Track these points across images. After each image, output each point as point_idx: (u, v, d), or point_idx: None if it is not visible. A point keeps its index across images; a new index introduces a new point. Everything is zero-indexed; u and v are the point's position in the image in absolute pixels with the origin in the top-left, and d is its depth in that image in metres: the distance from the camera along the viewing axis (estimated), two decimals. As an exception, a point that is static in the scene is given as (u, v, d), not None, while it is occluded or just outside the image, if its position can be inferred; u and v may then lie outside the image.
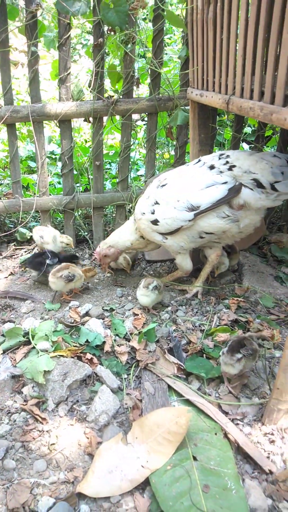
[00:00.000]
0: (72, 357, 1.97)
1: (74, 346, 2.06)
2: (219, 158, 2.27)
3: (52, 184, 4.02)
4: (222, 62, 2.12)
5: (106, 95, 2.93)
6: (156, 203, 2.38)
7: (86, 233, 3.39)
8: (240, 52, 1.87)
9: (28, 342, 2.10)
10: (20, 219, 3.23)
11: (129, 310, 2.44)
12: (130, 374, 1.97)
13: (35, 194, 3.14)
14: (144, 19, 4.52)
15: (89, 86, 2.87)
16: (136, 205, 2.54)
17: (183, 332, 2.22)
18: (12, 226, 3.35)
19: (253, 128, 4.18)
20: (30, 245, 3.28)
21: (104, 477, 1.46)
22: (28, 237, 3.26)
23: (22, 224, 3.21)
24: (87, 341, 2.09)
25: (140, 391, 1.86)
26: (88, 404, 1.81)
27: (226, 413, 1.74)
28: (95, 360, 1.99)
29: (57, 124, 2.97)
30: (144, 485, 1.47)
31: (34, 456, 1.58)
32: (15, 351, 2.07)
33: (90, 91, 2.88)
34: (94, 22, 2.70)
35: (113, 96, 2.91)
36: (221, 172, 2.21)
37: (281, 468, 1.52)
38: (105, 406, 1.74)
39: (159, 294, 2.36)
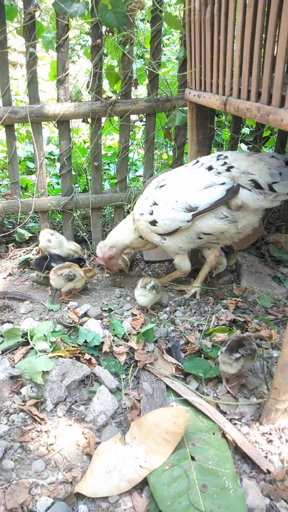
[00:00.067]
0: (70, 358, 1.98)
1: (72, 346, 2.07)
2: (217, 159, 2.27)
3: (51, 184, 4.02)
4: (219, 63, 2.12)
5: (104, 96, 2.94)
6: (155, 203, 2.39)
7: (84, 234, 3.39)
8: (237, 53, 1.87)
9: (26, 343, 2.10)
10: (18, 220, 3.23)
11: (128, 310, 2.44)
12: (128, 374, 1.97)
13: (33, 194, 3.14)
14: (143, 20, 4.52)
15: (88, 87, 2.87)
16: (135, 205, 2.55)
17: (181, 332, 2.22)
18: (10, 227, 3.36)
19: (251, 129, 4.19)
20: (28, 246, 3.28)
21: (102, 477, 1.46)
22: (27, 238, 3.27)
23: (21, 225, 3.21)
24: (85, 341, 2.09)
25: (139, 391, 1.86)
26: (86, 405, 1.82)
27: (224, 413, 1.75)
28: (93, 360, 2.00)
29: (56, 125, 2.97)
30: (142, 485, 1.47)
31: (32, 456, 1.58)
32: (14, 351, 2.07)
33: (89, 92, 2.89)
34: (92, 23, 2.71)
35: (111, 97, 2.92)
36: (219, 173, 2.21)
37: (279, 468, 1.53)
38: (103, 406, 1.74)
39: (157, 294, 2.36)
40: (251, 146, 3.37)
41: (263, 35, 1.68)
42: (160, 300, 2.50)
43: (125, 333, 2.19)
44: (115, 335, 2.18)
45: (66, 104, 2.87)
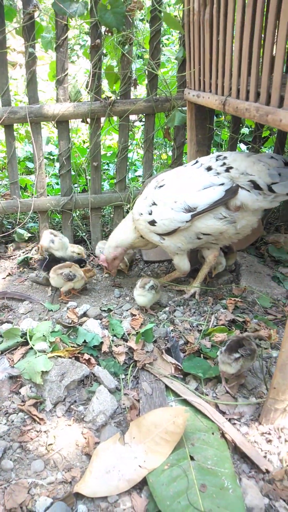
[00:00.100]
0: (69, 358, 1.98)
1: (71, 346, 2.07)
2: (216, 160, 2.27)
3: (50, 185, 4.02)
4: (218, 63, 2.13)
5: (103, 96, 2.94)
6: (154, 203, 2.39)
7: (84, 234, 3.39)
8: (236, 54, 1.88)
9: (26, 343, 2.11)
10: (18, 220, 3.23)
11: (127, 310, 2.44)
12: (127, 374, 1.97)
13: (33, 195, 3.15)
14: (142, 20, 4.53)
15: (87, 87, 2.88)
16: (134, 205, 2.55)
17: (180, 332, 2.22)
18: (10, 227, 3.36)
19: (250, 129, 4.19)
20: (28, 246, 3.28)
21: (101, 477, 1.46)
22: (26, 238, 3.27)
23: (20, 225, 3.21)
24: (84, 341, 2.09)
25: (138, 391, 1.86)
26: (85, 405, 1.82)
27: (223, 413, 1.75)
28: (92, 360, 2.00)
29: (55, 125, 2.97)
30: (142, 485, 1.47)
31: (31, 456, 1.58)
32: (13, 351, 2.07)
33: (88, 92, 2.89)
34: (91, 24, 2.71)
35: (110, 97, 2.92)
36: (218, 173, 2.22)
37: (277, 467, 1.53)
38: (102, 406, 1.74)
39: (156, 293, 2.36)
40: (250, 146, 3.37)
41: (262, 36, 1.68)
42: (160, 300, 2.50)
43: (124, 333, 2.19)
44: (115, 335, 2.18)
45: (65, 104, 2.87)
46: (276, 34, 1.55)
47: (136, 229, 2.56)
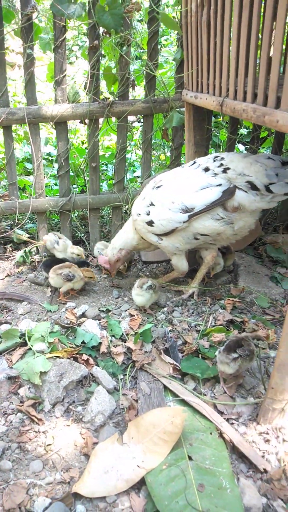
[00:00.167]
0: (68, 358, 1.98)
1: (70, 347, 2.07)
2: (214, 161, 2.28)
3: (49, 185, 4.03)
4: (216, 64, 2.13)
5: (102, 97, 2.94)
6: (151, 204, 2.39)
7: (82, 235, 3.40)
8: (233, 55, 1.88)
9: (24, 344, 2.11)
10: (16, 221, 3.24)
11: (125, 311, 2.45)
12: (126, 374, 1.98)
13: (31, 195, 3.15)
14: (140, 21, 4.54)
15: (85, 88, 2.88)
16: (132, 206, 2.56)
17: (179, 333, 2.23)
18: (8, 227, 3.36)
19: (248, 130, 4.20)
20: (26, 246, 3.28)
21: (100, 477, 1.47)
22: (25, 239, 3.27)
23: (19, 226, 3.22)
24: (83, 342, 2.10)
25: (136, 392, 1.87)
26: (84, 405, 1.82)
27: (221, 413, 1.75)
28: (91, 361, 2.00)
29: (53, 126, 2.98)
30: (140, 485, 1.48)
31: (30, 456, 1.58)
32: (12, 352, 2.08)
33: (86, 93, 2.89)
34: (89, 25, 2.72)
35: (108, 98, 2.93)
36: (215, 174, 2.22)
37: (275, 467, 1.53)
38: (101, 406, 1.75)
39: (154, 293, 2.37)
40: (248, 147, 3.38)
41: (259, 37, 1.69)
42: (158, 300, 2.51)
43: (122, 334, 2.19)
44: (113, 336, 2.18)
45: (63, 105, 2.87)
46: (272, 35, 1.56)
47: (135, 230, 2.57)
